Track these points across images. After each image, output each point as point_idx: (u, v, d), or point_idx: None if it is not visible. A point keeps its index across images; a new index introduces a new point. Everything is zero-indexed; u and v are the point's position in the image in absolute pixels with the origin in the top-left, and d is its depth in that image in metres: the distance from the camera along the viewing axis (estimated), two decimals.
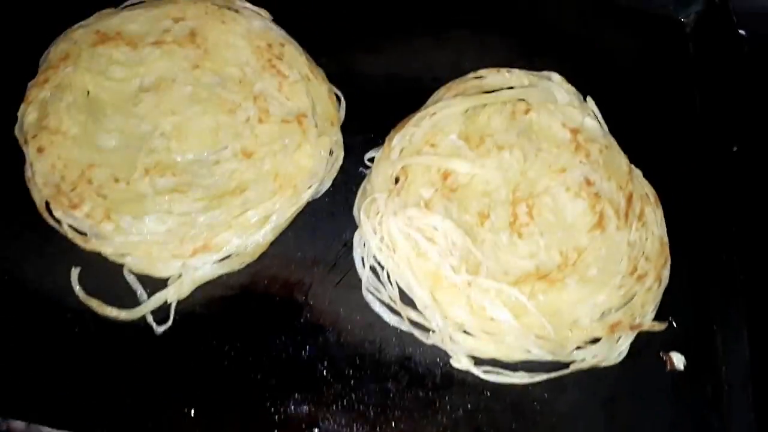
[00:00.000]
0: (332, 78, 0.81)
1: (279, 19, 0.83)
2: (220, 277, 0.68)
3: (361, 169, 0.77)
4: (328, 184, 0.75)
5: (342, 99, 0.79)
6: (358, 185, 0.75)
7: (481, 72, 0.82)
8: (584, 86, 0.82)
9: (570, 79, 0.82)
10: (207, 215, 0.67)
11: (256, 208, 0.69)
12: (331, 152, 0.75)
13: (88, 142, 0.70)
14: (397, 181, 0.73)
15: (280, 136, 0.73)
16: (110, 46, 0.75)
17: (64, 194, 0.66)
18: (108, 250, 0.66)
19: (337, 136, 0.76)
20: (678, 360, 0.69)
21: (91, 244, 0.66)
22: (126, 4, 0.80)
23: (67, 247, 0.67)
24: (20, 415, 0.60)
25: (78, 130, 0.70)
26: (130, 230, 0.66)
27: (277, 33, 0.80)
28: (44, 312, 0.65)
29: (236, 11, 0.81)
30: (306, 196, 0.72)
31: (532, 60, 0.85)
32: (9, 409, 0.60)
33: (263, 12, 0.82)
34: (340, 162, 0.76)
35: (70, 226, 0.67)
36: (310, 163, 0.73)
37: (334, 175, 0.75)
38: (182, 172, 0.70)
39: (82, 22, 0.77)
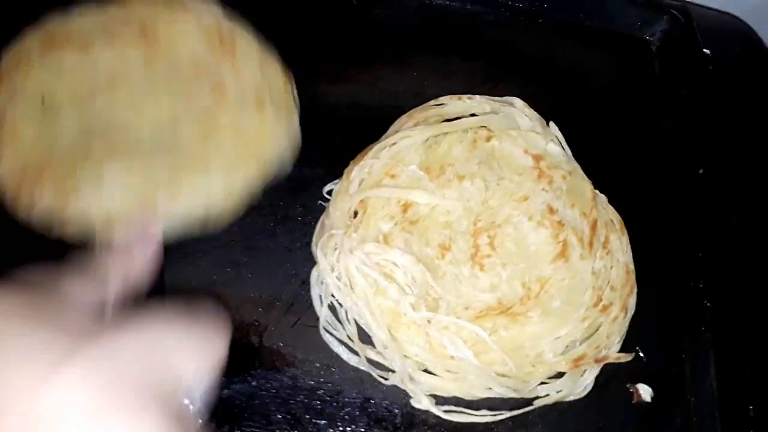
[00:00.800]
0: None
1: None
2: None
3: (320, 202, 0.75)
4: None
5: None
6: (316, 219, 0.74)
7: (442, 99, 0.81)
8: (548, 110, 0.81)
9: (533, 103, 0.81)
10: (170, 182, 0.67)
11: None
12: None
13: (44, 144, 0.69)
14: (356, 214, 0.72)
15: (240, 119, 0.72)
16: (62, 51, 0.74)
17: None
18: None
19: (294, 122, 0.76)
20: (645, 391, 0.68)
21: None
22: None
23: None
24: None
25: (33, 134, 0.69)
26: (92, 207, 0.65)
27: (229, 25, 0.80)
28: None
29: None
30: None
31: (495, 85, 0.84)
32: None
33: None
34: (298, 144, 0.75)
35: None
36: (272, 141, 0.72)
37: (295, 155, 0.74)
38: (140, 156, 0.69)
39: (31, 30, 0.75)
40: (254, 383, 0.64)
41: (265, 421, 0.63)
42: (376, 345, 0.66)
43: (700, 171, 0.79)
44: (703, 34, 0.87)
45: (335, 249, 0.69)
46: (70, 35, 0.75)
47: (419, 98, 0.82)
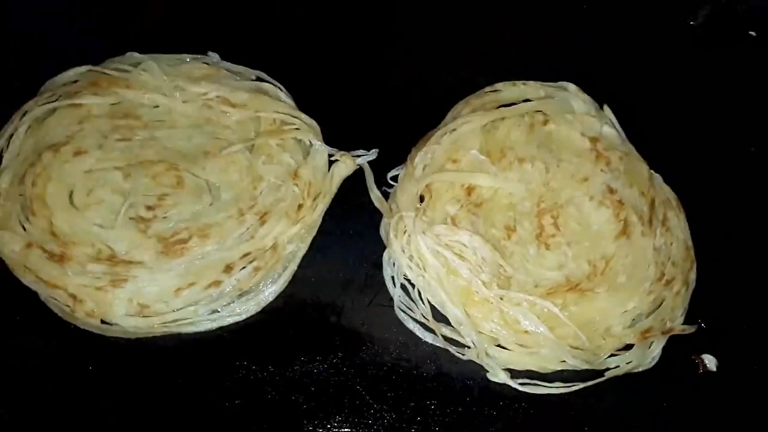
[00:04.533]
0: (350, 96, 0.83)
1: (295, 36, 0.85)
2: None
3: (384, 188, 0.77)
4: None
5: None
6: None
7: (497, 86, 0.83)
8: (599, 95, 0.83)
9: (585, 88, 0.83)
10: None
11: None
12: None
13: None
14: (422, 199, 0.74)
15: None
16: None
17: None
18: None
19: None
20: (710, 361, 0.70)
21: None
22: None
23: None
24: None
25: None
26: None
27: None
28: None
29: None
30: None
31: (546, 71, 0.85)
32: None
33: None
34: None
35: None
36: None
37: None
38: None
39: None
40: (336, 360, 0.67)
41: (349, 396, 0.65)
42: (451, 322, 0.68)
43: (752, 149, 0.81)
44: (746, 17, 0.89)
45: (405, 231, 0.71)
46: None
47: (472, 85, 0.84)
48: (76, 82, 0.76)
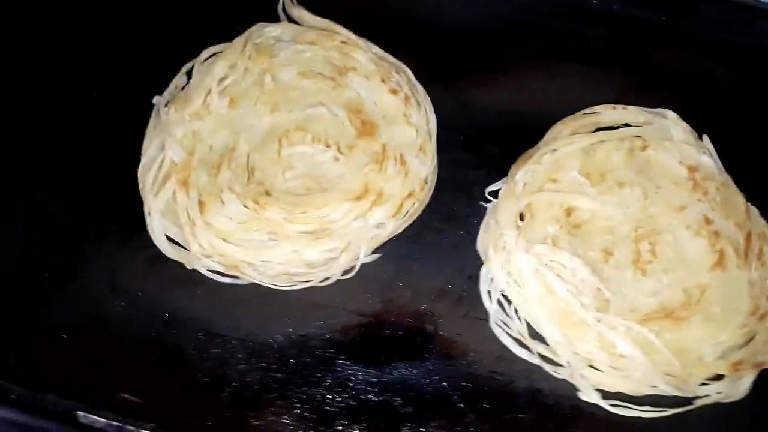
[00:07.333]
0: (447, 111, 0.84)
1: (392, 51, 0.87)
2: (352, 305, 0.72)
3: (481, 202, 0.79)
4: None
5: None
6: (479, 219, 0.78)
7: (597, 108, 0.84)
8: (697, 124, 0.83)
9: (683, 117, 0.83)
10: None
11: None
12: None
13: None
14: (521, 217, 0.76)
15: None
16: None
17: None
18: None
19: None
20: None
21: None
22: None
23: None
24: None
25: None
26: None
27: None
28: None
29: None
30: None
31: (643, 97, 0.86)
32: None
33: None
34: None
35: None
36: None
37: None
38: None
39: None
40: (431, 368, 0.69)
41: (444, 404, 0.68)
42: (546, 340, 0.70)
43: None
44: None
45: (504, 248, 0.73)
46: None
47: (568, 105, 0.85)
48: None
